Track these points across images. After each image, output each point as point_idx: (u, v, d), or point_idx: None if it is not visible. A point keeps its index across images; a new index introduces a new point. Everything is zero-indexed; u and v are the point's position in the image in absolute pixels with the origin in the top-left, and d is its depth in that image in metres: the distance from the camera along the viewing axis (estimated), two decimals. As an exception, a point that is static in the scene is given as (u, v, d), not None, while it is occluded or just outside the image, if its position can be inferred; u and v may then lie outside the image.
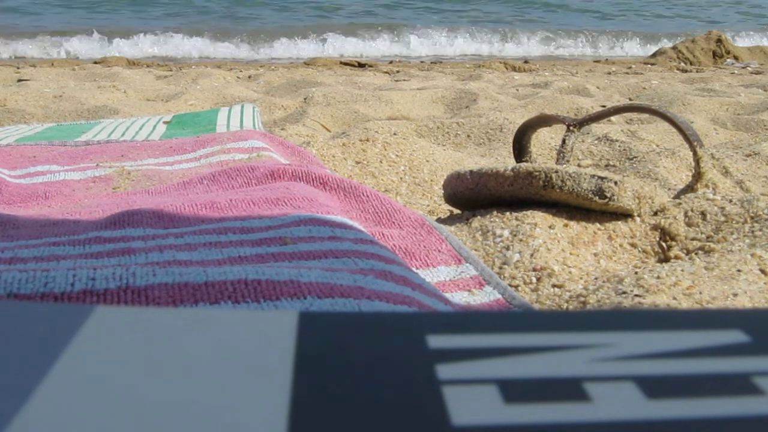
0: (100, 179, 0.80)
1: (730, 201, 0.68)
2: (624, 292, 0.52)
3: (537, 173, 0.66)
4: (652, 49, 4.79)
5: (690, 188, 0.79)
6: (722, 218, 0.66)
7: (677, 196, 0.74)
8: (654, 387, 0.18)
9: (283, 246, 0.46)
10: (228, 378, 0.18)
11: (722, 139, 1.45)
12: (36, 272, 0.34)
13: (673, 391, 0.18)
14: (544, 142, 1.28)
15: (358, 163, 1.05)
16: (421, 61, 4.20)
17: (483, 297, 0.50)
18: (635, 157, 1.15)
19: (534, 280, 0.57)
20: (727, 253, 0.59)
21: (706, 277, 0.54)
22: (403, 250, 0.55)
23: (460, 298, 0.50)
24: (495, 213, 0.68)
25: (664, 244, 0.65)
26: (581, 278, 0.57)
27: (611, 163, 1.16)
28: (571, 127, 0.91)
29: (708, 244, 0.63)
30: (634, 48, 5.65)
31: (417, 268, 0.53)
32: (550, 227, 0.64)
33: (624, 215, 0.67)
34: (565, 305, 0.53)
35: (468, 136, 1.41)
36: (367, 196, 0.65)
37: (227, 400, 0.17)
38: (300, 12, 6.38)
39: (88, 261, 0.44)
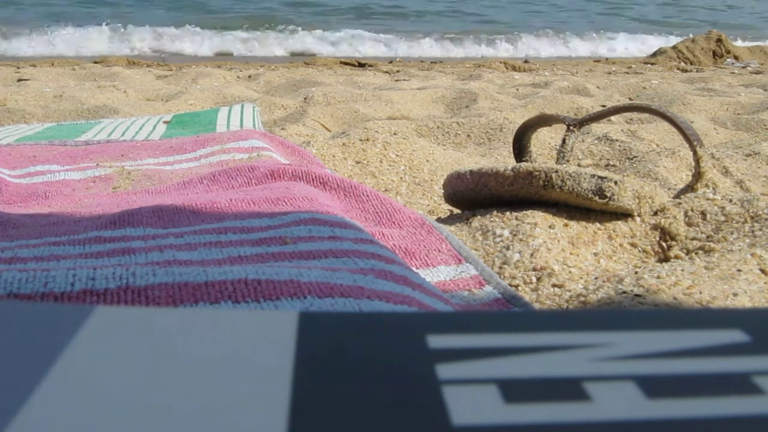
0: (100, 179, 0.80)
1: (730, 201, 0.68)
2: (624, 292, 0.52)
3: (537, 173, 0.66)
4: (652, 48, 4.79)
5: (690, 188, 0.79)
6: (722, 218, 0.66)
7: (677, 196, 0.74)
8: (654, 387, 0.18)
9: (283, 246, 0.46)
10: (228, 378, 0.18)
11: (722, 139, 1.45)
12: (36, 272, 0.34)
13: (673, 391, 0.18)
14: (544, 142, 1.28)
15: (358, 162, 1.05)
16: (421, 61, 4.20)
17: (483, 297, 0.50)
18: (635, 156, 1.15)
19: (534, 279, 0.57)
20: (727, 253, 0.59)
21: (706, 277, 0.54)
22: (403, 250, 0.55)
23: (460, 298, 0.50)
24: (495, 213, 0.68)
25: (664, 244, 0.65)
26: (581, 278, 0.57)
27: (611, 162, 1.16)
28: (571, 127, 0.91)
29: (708, 243, 0.63)
30: (634, 47, 5.65)
31: (417, 268, 0.53)
32: (550, 227, 0.64)
33: (624, 215, 0.67)
34: (565, 305, 0.53)
35: (468, 135, 1.41)
36: (367, 196, 0.65)
37: (227, 400, 0.17)
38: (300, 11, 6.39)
39: (88, 261, 0.44)
